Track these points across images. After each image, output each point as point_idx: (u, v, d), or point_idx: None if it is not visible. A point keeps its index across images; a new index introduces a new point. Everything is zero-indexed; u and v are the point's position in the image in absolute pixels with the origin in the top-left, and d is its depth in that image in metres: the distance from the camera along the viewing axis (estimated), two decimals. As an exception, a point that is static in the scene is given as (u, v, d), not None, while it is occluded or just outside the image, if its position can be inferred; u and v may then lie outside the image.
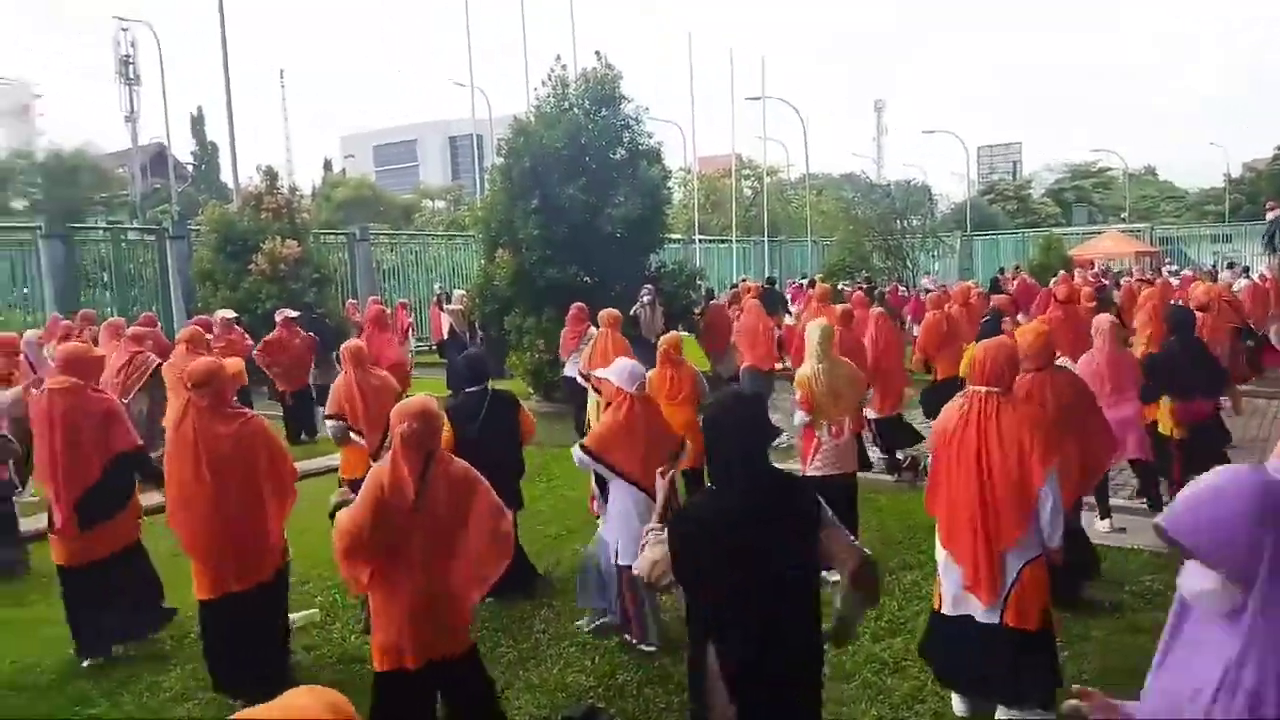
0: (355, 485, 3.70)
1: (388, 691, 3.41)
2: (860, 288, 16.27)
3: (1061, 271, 19.18)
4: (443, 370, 14.90)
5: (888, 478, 8.27)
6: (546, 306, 12.26)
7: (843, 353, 6.44)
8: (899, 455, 8.60)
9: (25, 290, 17.67)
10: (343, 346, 6.81)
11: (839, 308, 9.07)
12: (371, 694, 3.42)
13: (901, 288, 22.46)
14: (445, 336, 15.83)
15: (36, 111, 52.80)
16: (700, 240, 31.31)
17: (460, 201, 43.79)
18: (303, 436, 11.04)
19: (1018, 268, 24.61)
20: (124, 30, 37.23)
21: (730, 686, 2.66)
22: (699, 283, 14.70)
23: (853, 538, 2.91)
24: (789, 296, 18.41)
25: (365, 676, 3.72)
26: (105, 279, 18.72)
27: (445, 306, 15.95)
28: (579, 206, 11.97)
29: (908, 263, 28.58)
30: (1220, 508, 1.64)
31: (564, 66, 13.02)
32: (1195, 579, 1.68)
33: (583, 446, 4.96)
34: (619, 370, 5.03)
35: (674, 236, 24.54)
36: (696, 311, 13.23)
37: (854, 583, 2.74)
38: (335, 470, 8.08)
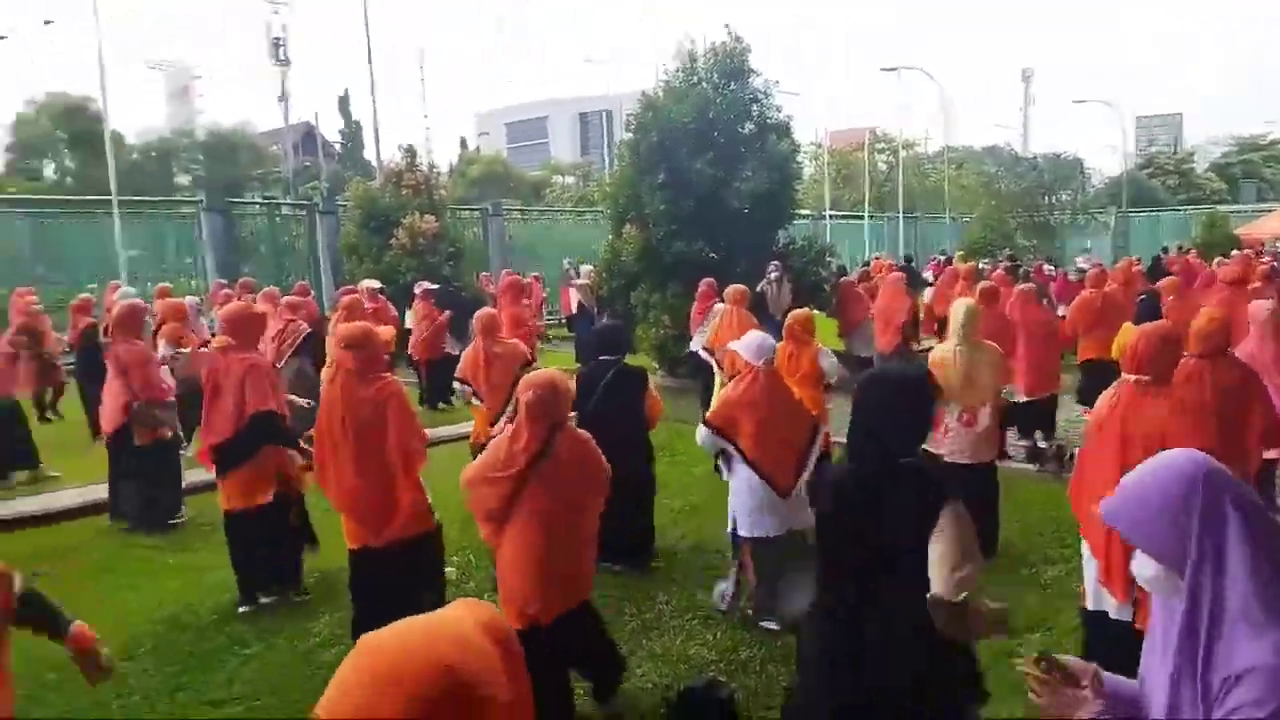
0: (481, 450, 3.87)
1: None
2: (1004, 266, 15.53)
3: (1243, 251, 17.69)
4: (572, 344, 15.22)
5: (1030, 467, 7.91)
6: (672, 282, 12.28)
7: (987, 334, 6.17)
8: (1043, 444, 8.21)
9: (189, 260, 19.02)
10: (475, 314, 7.05)
11: (981, 285, 8.65)
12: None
13: (1048, 266, 21.34)
14: (574, 311, 16.11)
15: (196, 92, 56.40)
16: (831, 216, 30.62)
17: (589, 177, 44.28)
18: (440, 405, 11.49)
19: (1181, 247, 22.94)
20: (275, 14, 39.17)
21: (820, 665, 2.61)
22: (828, 259, 14.39)
23: (959, 569, 2.48)
24: (928, 274, 17.75)
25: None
26: (261, 250, 19.94)
27: (573, 281, 16.20)
28: (706, 181, 11.90)
29: (1055, 240, 27.12)
30: (1150, 494, 1.65)
31: (693, 41, 12.94)
32: (1140, 565, 1.69)
33: (707, 422, 4.92)
34: (748, 342, 4.96)
35: (803, 212, 24.09)
36: (826, 289, 12.98)
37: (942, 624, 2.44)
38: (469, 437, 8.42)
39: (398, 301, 12.89)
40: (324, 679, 3.60)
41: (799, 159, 13.78)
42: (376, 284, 12.61)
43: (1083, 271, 13.94)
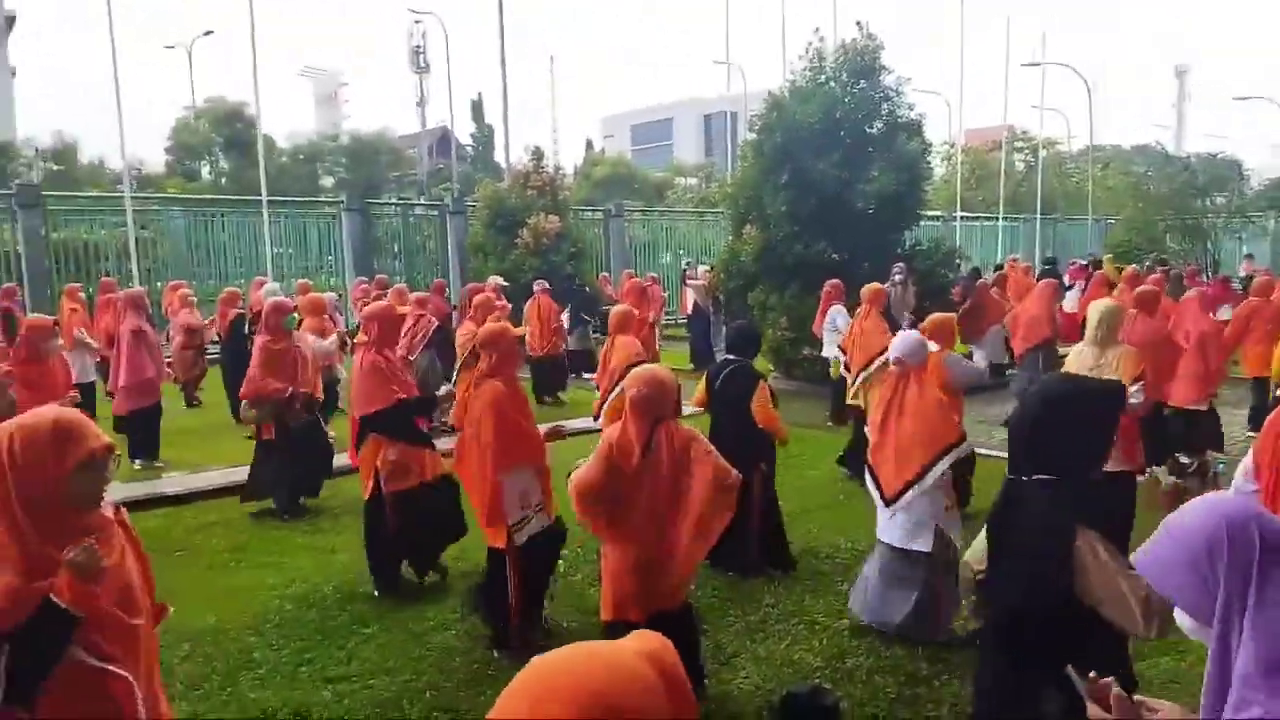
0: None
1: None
2: (1164, 270, 14.54)
3: None
4: (687, 344, 15.22)
5: (1171, 479, 7.38)
6: (792, 283, 12.12)
7: (1145, 341, 5.79)
8: (1184, 459, 7.64)
9: (329, 257, 20.06)
10: (612, 312, 7.24)
11: (1139, 290, 8.08)
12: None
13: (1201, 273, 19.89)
14: (690, 311, 16.12)
15: (342, 99, 59.43)
16: (962, 217, 29.54)
17: (711, 178, 44.21)
18: (554, 398, 11.72)
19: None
20: (416, 23, 40.82)
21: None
22: (958, 261, 13.87)
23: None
24: (1066, 278, 16.82)
25: (599, 627, 3.88)
26: (395, 249, 20.85)
27: (689, 281, 16.21)
28: (830, 181, 11.68)
29: (1209, 245, 25.28)
30: (1175, 546, 1.58)
31: (822, 39, 12.70)
32: (1179, 615, 1.62)
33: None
34: (898, 342, 4.78)
35: (932, 213, 23.34)
36: (954, 291, 12.51)
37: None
38: (585, 432, 8.54)
39: (517, 299, 13.21)
40: (432, 661, 3.74)
41: (930, 159, 13.33)
42: (503, 282, 12.98)
43: (1247, 279, 12.90)
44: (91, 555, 2.16)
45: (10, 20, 56.95)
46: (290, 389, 6.95)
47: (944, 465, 4.46)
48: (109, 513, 2.37)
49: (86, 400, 10.15)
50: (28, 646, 2.11)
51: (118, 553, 2.31)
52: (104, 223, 17.77)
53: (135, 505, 6.93)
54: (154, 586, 2.50)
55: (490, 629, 4.70)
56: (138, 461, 8.53)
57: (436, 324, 10.71)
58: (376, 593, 5.42)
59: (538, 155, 18.76)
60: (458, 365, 8.97)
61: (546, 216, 17.07)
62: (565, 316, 13.55)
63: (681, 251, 23.81)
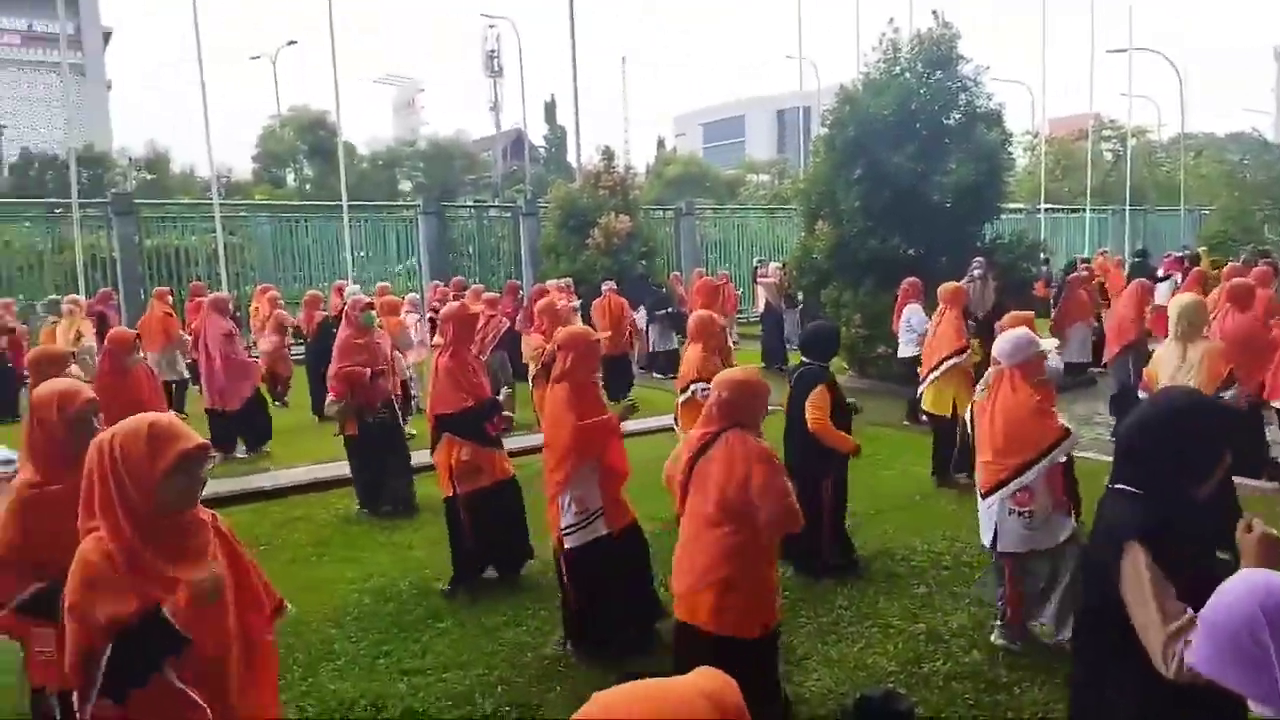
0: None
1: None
2: (1270, 263, 13.80)
3: None
4: (758, 343, 15.08)
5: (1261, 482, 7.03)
6: (866, 279, 11.91)
7: (1236, 337, 5.51)
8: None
9: (408, 260, 20.52)
10: (692, 315, 7.11)
11: (1231, 283, 7.68)
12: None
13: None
14: (762, 309, 15.98)
15: (419, 105, 60.65)
16: (1047, 210, 28.61)
17: (784, 175, 43.80)
18: (623, 398, 11.75)
19: None
20: (490, 27, 41.48)
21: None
22: (1044, 255, 13.43)
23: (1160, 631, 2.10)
24: (1160, 269, 16.09)
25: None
26: (470, 251, 21.21)
27: (760, 279, 16.06)
28: (905, 175, 11.43)
29: (1311, 235, 23.96)
30: (1218, 641, 1.51)
31: (896, 30, 12.45)
32: (1252, 704, 1.53)
33: None
34: (1004, 339, 4.55)
35: (1013, 205, 22.67)
36: (1037, 286, 12.13)
37: None
38: (658, 430, 8.57)
39: (587, 299, 13.27)
40: (504, 656, 3.78)
41: (1010, 149, 12.94)
42: (562, 283, 13.10)
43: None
44: (216, 583, 2.25)
45: (107, 35, 59.81)
46: (369, 370, 7.09)
47: (1041, 467, 4.28)
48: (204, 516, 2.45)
49: (178, 397, 10.63)
50: (130, 653, 2.17)
51: (211, 557, 2.38)
52: (194, 229, 18.50)
53: (226, 500, 7.22)
54: (267, 580, 2.59)
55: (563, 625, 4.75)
56: (240, 452, 8.94)
57: (508, 325, 10.88)
58: (448, 587, 5.51)
59: (608, 155, 18.85)
60: (531, 373, 9.09)
61: (617, 216, 17.13)
62: (640, 316, 13.60)
63: (755, 251, 23.60)
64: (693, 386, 6.23)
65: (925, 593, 5.24)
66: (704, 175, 46.21)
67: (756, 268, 17.72)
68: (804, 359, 5.78)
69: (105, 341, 7.02)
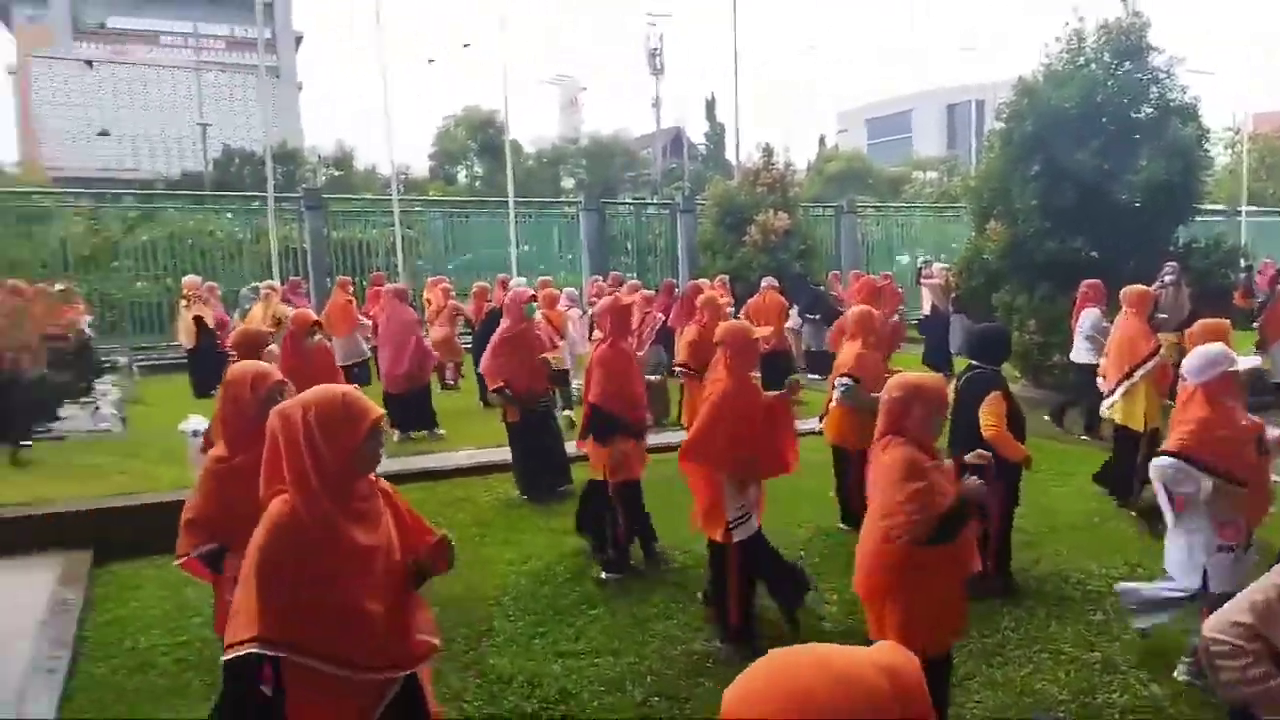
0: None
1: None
2: None
3: None
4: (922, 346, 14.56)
5: None
6: (1042, 283, 11.25)
7: None
8: None
9: (568, 256, 21.06)
10: (853, 314, 6.93)
11: None
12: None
13: None
14: (926, 312, 15.41)
15: (582, 104, 62.07)
16: (1249, 212, 26.18)
17: (953, 171, 42.06)
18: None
19: None
20: (652, 25, 41.88)
21: None
22: (1245, 261, 12.30)
23: None
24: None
25: (814, 633, 3.80)
26: (628, 247, 21.54)
27: (924, 280, 15.49)
28: (1089, 172, 10.72)
29: None
30: None
31: (1080, 19, 11.69)
32: None
33: (1170, 453, 4.00)
34: (1194, 354, 4.17)
35: (1212, 207, 20.88)
36: (1236, 294, 11.12)
37: None
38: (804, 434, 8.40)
39: (741, 298, 13.18)
40: (654, 647, 3.82)
41: (1207, 146, 11.90)
42: (720, 279, 13.07)
43: None
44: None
45: (298, 39, 64.40)
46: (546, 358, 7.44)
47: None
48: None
49: (359, 380, 11.34)
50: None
51: (383, 523, 2.55)
52: (375, 223, 19.69)
53: (396, 479, 7.61)
54: (427, 528, 2.71)
55: (715, 620, 4.77)
56: (412, 433, 9.45)
57: (663, 320, 10.99)
58: (603, 575, 5.62)
59: (768, 152, 18.66)
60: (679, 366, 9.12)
61: (775, 214, 16.94)
62: (794, 315, 13.41)
63: (920, 251, 22.77)
64: (837, 382, 6.12)
65: (1101, 620, 4.91)
66: (867, 172, 45.07)
67: (921, 268, 17.11)
68: (973, 363, 5.51)
69: (290, 324, 7.59)
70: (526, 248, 19.90)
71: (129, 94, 52.54)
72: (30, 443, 8.07)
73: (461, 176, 44.63)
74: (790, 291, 13.41)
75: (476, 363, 11.10)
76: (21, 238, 12.20)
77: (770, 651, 1.09)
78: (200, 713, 4.02)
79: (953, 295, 13.70)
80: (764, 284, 12.45)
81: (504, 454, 7.85)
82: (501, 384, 7.32)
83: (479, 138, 41.74)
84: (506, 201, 19.13)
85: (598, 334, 6.19)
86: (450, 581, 5.39)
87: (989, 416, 5.01)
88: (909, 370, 3.77)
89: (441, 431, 9.68)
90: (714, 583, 4.77)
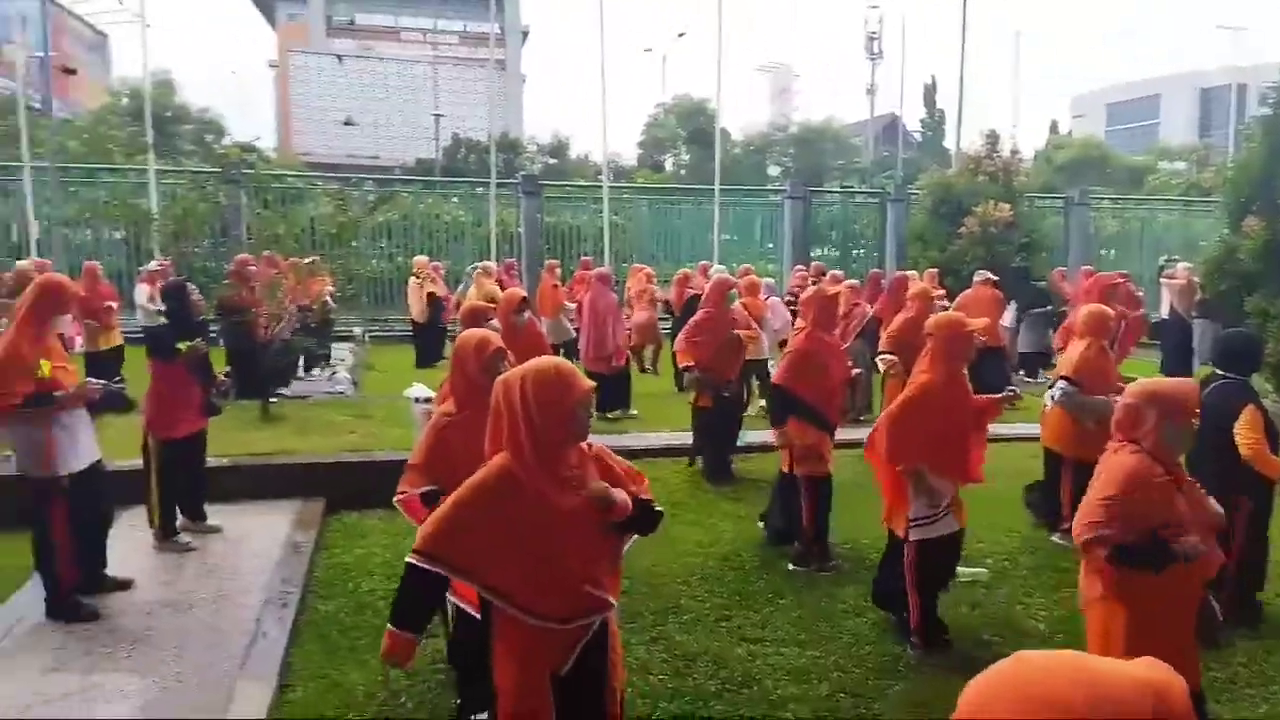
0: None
1: None
2: None
3: None
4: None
5: None
6: (1309, 287, 9.97)
7: None
8: None
9: (770, 244, 20.89)
10: (1086, 311, 6.42)
11: None
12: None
13: None
14: (1165, 315, 14.03)
15: (795, 91, 61.23)
16: None
17: (1205, 162, 37.94)
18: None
19: None
20: (873, 9, 40.56)
21: None
22: None
23: None
24: None
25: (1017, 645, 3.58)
26: (832, 237, 21.09)
27: (1163, 279, 14.09)
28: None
29: None
30: None
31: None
32: None
33: None
34: None
35: None
36: None
37: None
38: (1014, 439, 7.90)
39: (960, 290, 12.54)
40: (842, 643, 3.74)
41: None
42: (930, 271, 12.48)
43: None
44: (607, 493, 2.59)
45: (525, 34, 67.51)
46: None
47: None
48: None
49: (568, 356, 11.84)
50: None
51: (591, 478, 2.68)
52: (585, 209, 20.40)
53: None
54: (641, 479, 2.88)
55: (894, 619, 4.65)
56: (609, 413, 9.76)
57: (869, 313, 10.65)
58: (790, 566, 5.57)
59: (992, 139, 17.65)
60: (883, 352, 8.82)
61: (996, 204, 16.01)
62: (1010, 312, 12.64)
63: (1162, 249, 20.73)
64: (1057, 384, 5.71)
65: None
66: (1104, 161, 41.54)
67: (1162, 267, 15.59)
68: (1219, 373, 4.96)
69: (502, 302, 8.05)
70: (726, 237, 19.89)
71: (372, 86, 57.23)
72: (277, 399, 9.02)
73: (669, 164, 45.27)
74: (1008, 287, 12.62)
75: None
76: (278, 216, 13.59)
77: (1018, 654, 1.04)
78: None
79: (1198, 299, 12.41)
80: (978, 277, 11.78)
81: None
82: (691, 363, 7.40)
83: (688, 126, 42.17)
84: (711, 190, 19.21)
85: (800, 323, 6.08)
86: (639, 557, 5.54)
87: (1248, 431, 4.51)
88: (1145, 378, 3.45)
89: (635, 412, 9.90)
90: (883, 579, 4.64)
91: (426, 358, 13.33)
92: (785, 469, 5.73)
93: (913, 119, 51.56)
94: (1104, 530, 2.95)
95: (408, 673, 4.14)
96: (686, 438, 8.22)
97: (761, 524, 6.20)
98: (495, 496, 2.52)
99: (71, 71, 29.99)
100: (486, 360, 3.58)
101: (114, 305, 10.73)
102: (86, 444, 4.84)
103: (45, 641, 4.46)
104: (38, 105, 18.74)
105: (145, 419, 5.72)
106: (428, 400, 8.33)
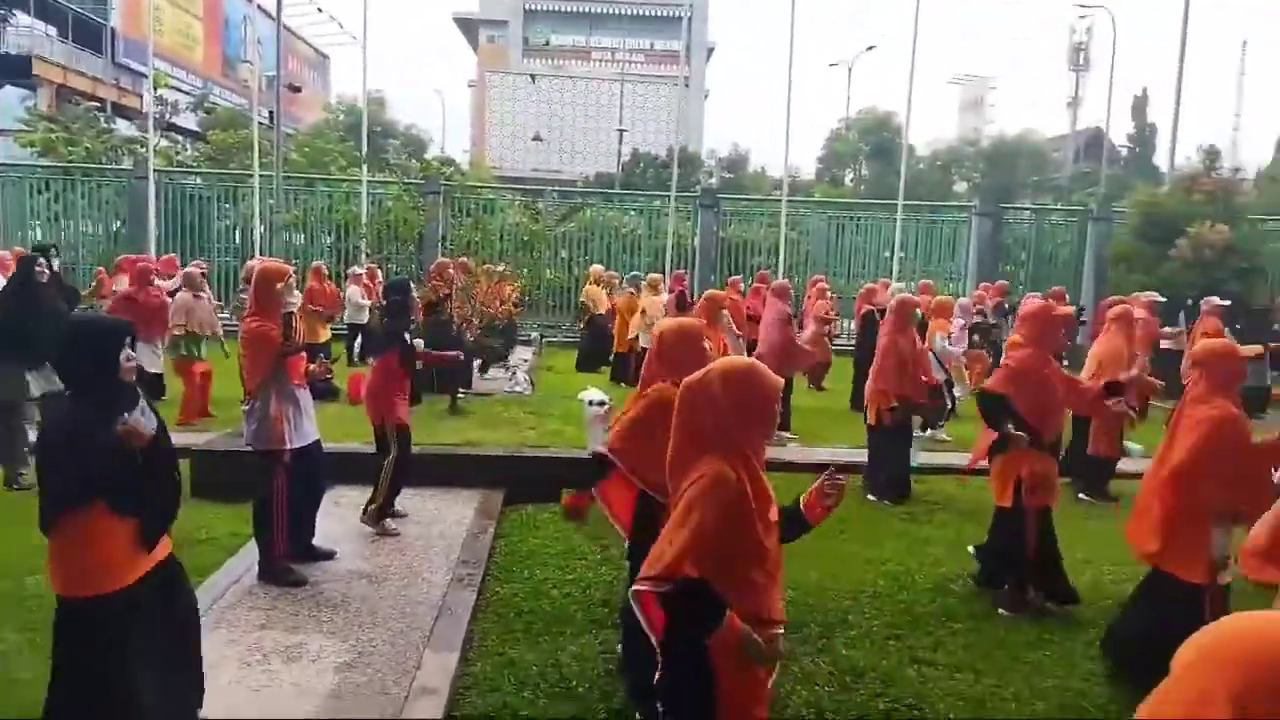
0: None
1: None
2: None
3: None
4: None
5: None
6: None
7: None
8: None
9: (952, 262, 20.07)
10: None
11: None
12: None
13: None
14: None
15: (989, 103, 58.68)
16: None
17: None
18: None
19: None
20: (1081, 18, 38.29)
21: None
22: None
23: None
24: None
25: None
26: (1023, 257, 20.01)
27: None
28: None
29: None
30: None
31: None
32: None
33: None
34: None
35: None
36: None
37: None
38: None
39: (1169, 319, 11.64)
40: (1022, 674, 3.58)
41: None
42: (1147, 295, 11.55)
43: None
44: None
45: (710, 50, 68.25)
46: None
47: None
48: None
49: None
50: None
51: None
52: (761, 223, 20.35)
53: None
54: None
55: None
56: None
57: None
58: (1000, 611, 5.15)
59: (1211, 155, 16.28)
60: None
61: (1213, 226, 14.70)
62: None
63: None
64: None
65: None
66: (1345, 180, 37.17)
67: None
68: None
69: (704, 299, 8.34)
70: (902, 254, 19.24)
71: (560, 103, 59.62)
72: (463, 396, 9.57)
73: (848, 179, 44.42)
74: (1223, 315, 11.59)
75: (856, 366, 11.02)
76: (471, 225, 14.44)
77: (1234, 615, 1.07)
78: (581, 640, 4.55)
79: None
80: (1204, 305, 10.85)
81: (864, 455, 7.78)
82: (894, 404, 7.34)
83: (871, 140, 41.24)
84: (893, 204, 18.72)
85: (1014, 337, 5.65)
86: (807, 569, 5.51)
87: None
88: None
89: (792, 435, 9.58)
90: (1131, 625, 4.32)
91: (591, 362, 13.77)
92: (1005, 503, 5.21)
93: (1119, 134, 48.19)
94: None
95: (578, 659, 4.32)
96: (851, 455, 8.07)
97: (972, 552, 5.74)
98: (730, 506, 2.48)
99: (297, 89, 32.97)
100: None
101: (338, 300, 11.86)
102: (309, 423, 5.33)
103: (257, 602, 4.92)
104: (265, 120, 20.73)
105: (376, 409, 6.09)
106: (602, 403, 8.60)
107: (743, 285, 12.76)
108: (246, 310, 5.32)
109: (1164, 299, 11.48)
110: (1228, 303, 11.06)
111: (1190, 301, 11.98)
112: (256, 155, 17.80)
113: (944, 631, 4.85)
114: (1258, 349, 5.87)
